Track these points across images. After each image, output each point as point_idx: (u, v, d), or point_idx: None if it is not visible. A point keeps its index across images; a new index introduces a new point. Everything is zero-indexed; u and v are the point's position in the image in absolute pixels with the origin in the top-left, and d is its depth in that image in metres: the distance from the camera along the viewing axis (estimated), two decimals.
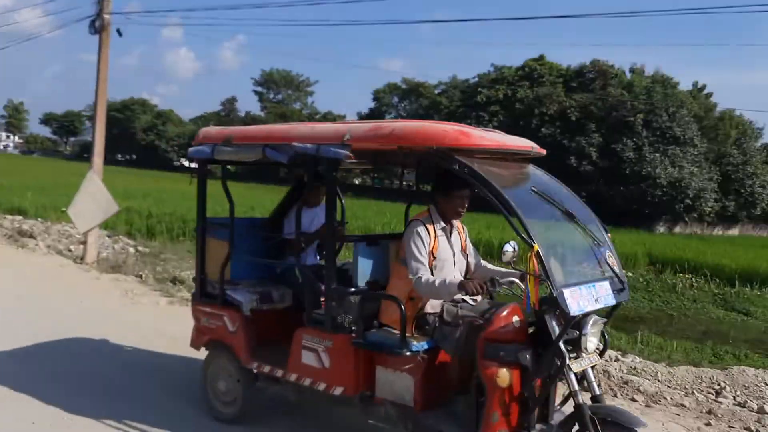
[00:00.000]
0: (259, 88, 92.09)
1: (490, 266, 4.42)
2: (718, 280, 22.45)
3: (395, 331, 3.92)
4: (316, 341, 4.24)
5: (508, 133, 4.42)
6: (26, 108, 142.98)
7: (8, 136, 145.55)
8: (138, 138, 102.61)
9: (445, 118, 55.06)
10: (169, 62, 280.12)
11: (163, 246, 17.94)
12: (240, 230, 5.00)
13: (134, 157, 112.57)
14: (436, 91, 62.71)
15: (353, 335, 4.07)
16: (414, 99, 65.23)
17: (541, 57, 52.71)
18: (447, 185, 4.05)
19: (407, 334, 3.87)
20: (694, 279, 22.22)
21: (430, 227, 4.03)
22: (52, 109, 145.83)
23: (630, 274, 23.23)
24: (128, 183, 46.64)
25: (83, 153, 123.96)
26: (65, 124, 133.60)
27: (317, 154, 4.07)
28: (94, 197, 13.32)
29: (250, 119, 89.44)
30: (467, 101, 53.60)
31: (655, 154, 41.95)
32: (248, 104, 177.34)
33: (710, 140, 44.83)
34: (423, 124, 3.97)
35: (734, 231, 48.40)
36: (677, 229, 44.09)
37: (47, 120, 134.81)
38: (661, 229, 43.39)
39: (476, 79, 56.04)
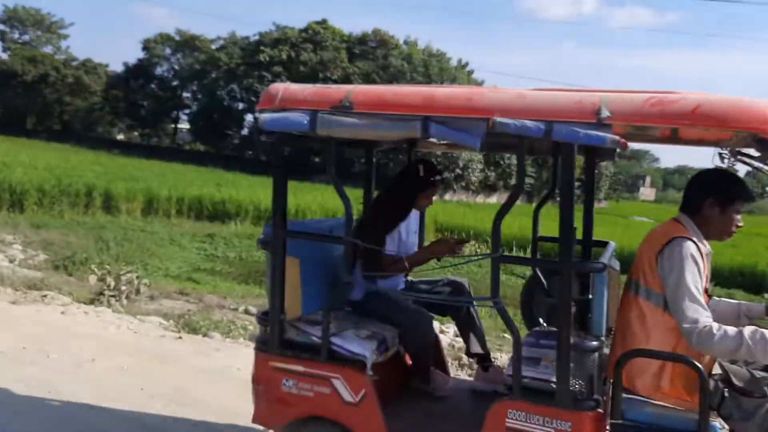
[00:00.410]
0: (1, 26, 79.47)
1: (729, 300, 3.29)
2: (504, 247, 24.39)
3: (660, 404, 2.83)
4: (538, 421, 2.77)
5: None
6: None
7: None
8: None
9: (225, 75, 52.75)
10: None
11: None
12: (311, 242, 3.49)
13: None
14: (214, 47, 59.57)
15: (601, 411, 2.81)
16: (188, 52, 61.26)
17: (324, 21, 52.60)
18: (732, 192, 2.85)
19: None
20: (477, 246, 23.89)
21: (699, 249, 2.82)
22: None
23: None
24: None
25: None
26: None
27: (546, 136, 2.59)
28: None
29: None
30: (248, 59, 51.69)
31: None
32: None
33: None
34: (741, 100, 2.52)
35: (493, 198, 53.46)
36: (447, 197, 47.38)
37: None
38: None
39: (257, 37, 54.28)
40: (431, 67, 46.35)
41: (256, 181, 35.09)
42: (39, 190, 21.15)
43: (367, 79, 46.16)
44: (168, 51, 62.52)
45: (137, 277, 8.35)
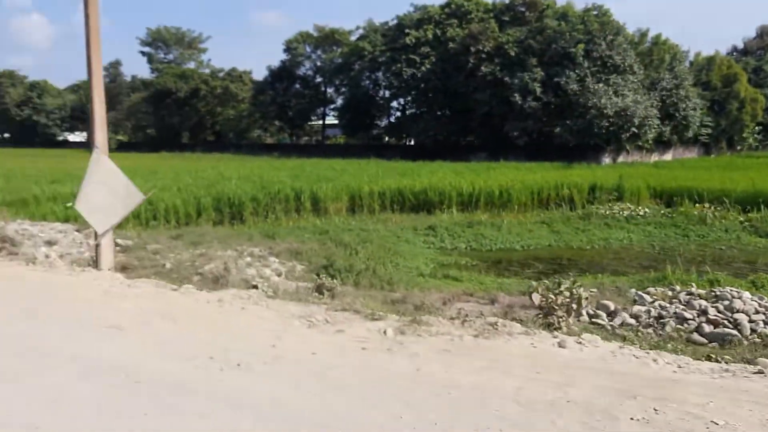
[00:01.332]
0: (147, 49, 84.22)
1: None
2: (739, 207, 21.72)
3: None
4: None
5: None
6: None
7: None
8: (11, 114, 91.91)
9: (369, 64, 52.14)
10: (30, 29, 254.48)
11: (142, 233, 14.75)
12: None
13: (7, 135, 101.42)
14: (353, 38, 59.29)
15: None
16: (328, 48, 61.47)
17: None
18: None
19: None
20: (714, 209, 21.30)
21: None
22: None
23: (646, 210, 22.08)
24: (25, 165, 40.86)
25: None
26: None
27: None
28: (108, 186, 9.99)
29: (140, 84, 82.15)
30: (391, 45, 50.70)
31: (599, 85, 41.23)
32: (134, 67, 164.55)
33: (646, 67, 44.66)
34: None
35: (668, 156, 49.30)
36: (620, 159, 44.08)
37: None
38: (607, 160, 43.20)
39: (396, 21, 53.18)
40: (590, 22, 43.06)
41: (431, 168, 34.17)
42: (253, 199, 21.14)
43: (522, 45, 43.74)
44: (308, 49, 63.08)
45: (577, 285, 7.00)
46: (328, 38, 60.85)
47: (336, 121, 63.94)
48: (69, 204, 12.29)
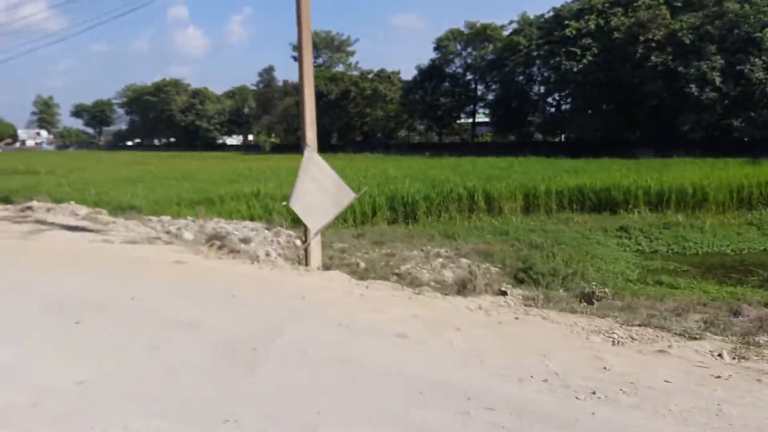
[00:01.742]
0: (297, 54, 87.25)
1: None
2: None
3: None
4: None
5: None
6: (56, 102, 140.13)
7: (38, 133, 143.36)
8: (176, 120, 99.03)
9: (525, 59, 50.26)
10: (193, 39, 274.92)
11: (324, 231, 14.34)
12: None
13: (172, 140, 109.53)
14: (506, 33, 57.63)
15: None
16: (479, 44, 60.17)
17: None
18: None
19: None
20: None
21: None
22: (82, 99, 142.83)
23: None
24: (201, 167, 43.22)
25: (118, 142, 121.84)
26: (96, 115, 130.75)
27: None
28: (319, 183, 9.59)
29: (291, 88, 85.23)
30: (549, 38, 48.55)
31: None
32: (286, 72, 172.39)
33: None
34: None
35: None
36: None
37: (78, 112, 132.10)
38: None
39: (552, 13, 50.93)
40: None
41: (599, 165, 32.06)
42: (426, 198, 20.54)
43: (698, 31, 40.05)
44: (458, 46, 62.17)
45: None
46: (479, 34, 59.53)
47: (485, 119, 62.56)
48: (284, 203, 12.14)
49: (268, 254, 10.32)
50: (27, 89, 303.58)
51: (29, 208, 14.75)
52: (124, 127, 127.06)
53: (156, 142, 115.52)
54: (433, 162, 40.24)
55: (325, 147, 65.45)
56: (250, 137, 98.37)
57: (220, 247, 10.09)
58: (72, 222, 13.63)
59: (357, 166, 36.16)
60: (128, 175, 33.76)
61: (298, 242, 12.32)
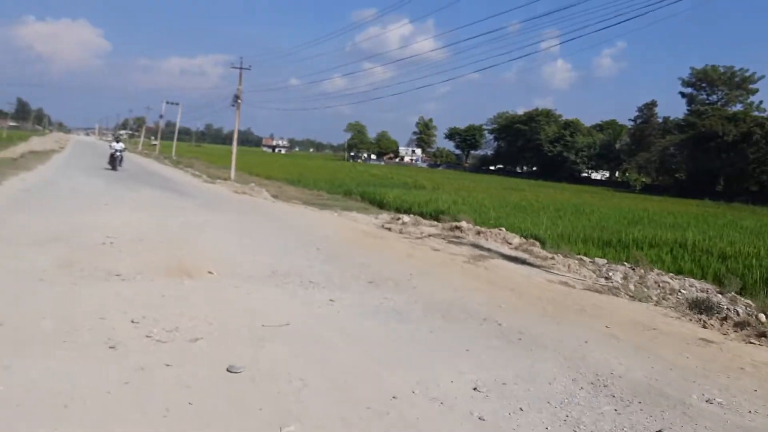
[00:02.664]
0: (688, 89, 79.67)
1: None
2: None
3: None
4: None
5: None
6: (434, 124, 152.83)
7: (413, 151, 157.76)
8: (544, 149, 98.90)
9: None
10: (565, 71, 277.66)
11: None
12: None
13: (534, 168, 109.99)
14: None
15: None
16: None
17: None
18: None
19: None
20: None
21: None
22: (453, 123, 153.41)
23: None
24: (574, 199, 40.97)
25: (481, 166, 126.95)
26: (466, 138, 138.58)
27: None
28: None
29: (672, 125, 77.99)
30: None
31: None
32: (668, 109, 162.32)
33: None
34: None
35: None
36: None
37: (451, 134, 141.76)
38: None
39: None
40: None
41: None
42: None
43: None
44: None
45: None
46: None
47: None
48: None
49: None
50: (408, 111, 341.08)
51: (458, 228, 13.94)
52: (489, 152, 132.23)
53: (518, 169, 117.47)
54: None
55: (704, 194, 57.69)
56: (616, 174, 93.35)
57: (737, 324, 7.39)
58: (507, 251, 12.29)
59: None
60: (515, 200, 33.02)
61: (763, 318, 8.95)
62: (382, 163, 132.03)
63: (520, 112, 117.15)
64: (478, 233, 13.38)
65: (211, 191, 24.29)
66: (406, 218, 15.73)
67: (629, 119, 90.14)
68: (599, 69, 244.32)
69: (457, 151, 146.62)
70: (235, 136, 39.06)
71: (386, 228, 14.16)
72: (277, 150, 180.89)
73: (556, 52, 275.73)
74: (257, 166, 52.66)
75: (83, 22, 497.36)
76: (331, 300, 7.41)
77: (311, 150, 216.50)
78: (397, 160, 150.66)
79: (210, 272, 8.76)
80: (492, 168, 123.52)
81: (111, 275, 8.02)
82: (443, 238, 12.90)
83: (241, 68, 37.11)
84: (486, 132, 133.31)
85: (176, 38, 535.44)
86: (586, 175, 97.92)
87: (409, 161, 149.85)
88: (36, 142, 62.71)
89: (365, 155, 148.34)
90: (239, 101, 36.67)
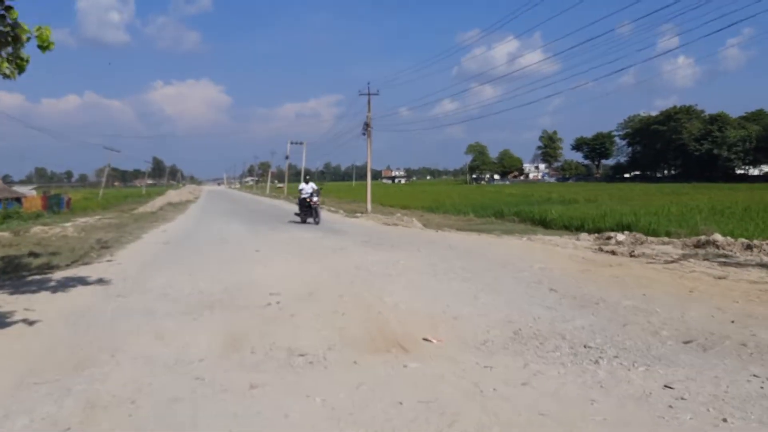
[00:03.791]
0: None
1: None
2: None
3: None
4: None
5: None
6: (559, 137, 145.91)
7: (536, 167, 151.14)
8: (689, 149, 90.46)
9: None
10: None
11: None
12: None
13: (674, 171, 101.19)
14: None
15: None
16: None
17: None
18: None
19: None
20: None
21: None
22: (582, 133, 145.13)
23: None
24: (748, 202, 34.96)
25: (615, 174, 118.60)
26: (595, 147, 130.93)
27: None
28: None
29: None
30: None
31: None
32: None
33: None
34: None
35: None
36: None
37: (578, 145, 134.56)
38: None
39: None
40: None
41: None
42: None
43: None
44: None
45: None
46: None
47: None
48: None
49: None
50: (521, 127, 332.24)
51: (710, 242, 10.43)
52: (622, 159, 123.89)
53: (657, 174, 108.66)
54: None
55: None
56: None
57: None
58: None
59: None
60: (724, 204, 28.25)
61: None
62: (508, 182, 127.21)
63: (654, 112, 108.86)
64: (748, 247, 9.82)
65: (360, 225, 22.00)
66: (620, 236, 12.38)
67: None
68: (726, 60, 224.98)
69: (586, 162, 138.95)
70: (369, 166, 37.04)
71: (607, 251, 10.91)
72: (396, 180, 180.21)
73: (677, 49, 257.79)
74: (386, 198, 50.93)
75: (206, 81, 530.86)
76: (667, 386, 4.34)
77: (428, 177, 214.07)
78: (522, 177, 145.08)
79: (426, 339, 5.98)
80: (627, 175, 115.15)
81: (293, 355, 5.44)
82: (697, 258, 9.48)
83: (369, 94, 35.14)
84: (617, 138, 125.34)
85: (289, 86, 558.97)
86: (741, 172, 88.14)
87: (535, 177, 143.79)
88: (172, 195, 64.65)
89: (488, 176, 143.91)
90: (369, 128, 34.63)
